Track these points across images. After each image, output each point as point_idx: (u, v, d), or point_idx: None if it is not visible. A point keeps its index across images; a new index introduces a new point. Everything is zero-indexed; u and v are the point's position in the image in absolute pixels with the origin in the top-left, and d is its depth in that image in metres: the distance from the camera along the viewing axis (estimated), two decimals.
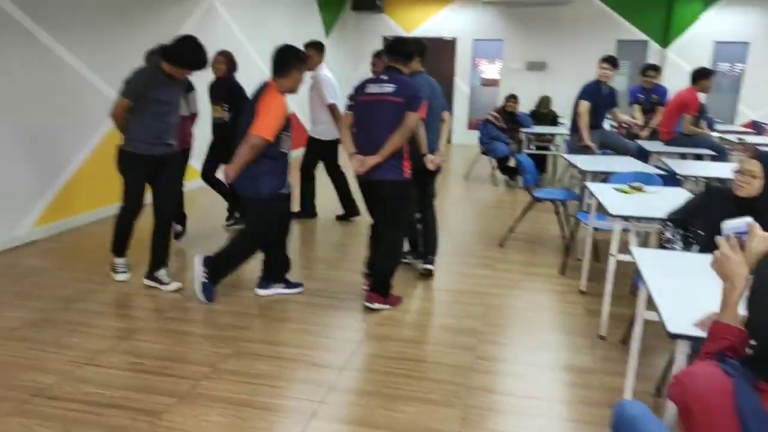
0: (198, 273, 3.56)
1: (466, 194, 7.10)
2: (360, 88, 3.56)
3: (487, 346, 3.14)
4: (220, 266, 3.59)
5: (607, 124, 6.79)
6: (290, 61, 3.43)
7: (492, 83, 11.70)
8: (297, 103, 7.84)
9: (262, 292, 3.77)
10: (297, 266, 4.32)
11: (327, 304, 3.66)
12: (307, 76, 5.24)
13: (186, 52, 3.53)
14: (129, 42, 5.55)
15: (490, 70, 11.68)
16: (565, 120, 8.16)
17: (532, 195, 4.88)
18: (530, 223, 5.67)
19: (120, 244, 3.91)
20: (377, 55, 5.11)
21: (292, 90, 3.48)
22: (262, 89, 3.44)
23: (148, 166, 3.68)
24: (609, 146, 6.11)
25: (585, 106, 5.71)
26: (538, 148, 8.01)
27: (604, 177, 4.55)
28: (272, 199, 3.49)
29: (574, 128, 5.87)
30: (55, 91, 4.83)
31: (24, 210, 4.65)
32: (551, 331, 3.36)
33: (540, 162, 8.07)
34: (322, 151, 5.42)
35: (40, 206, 4.79)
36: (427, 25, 11.52)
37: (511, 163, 7.59)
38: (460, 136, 11.78)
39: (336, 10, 11.00)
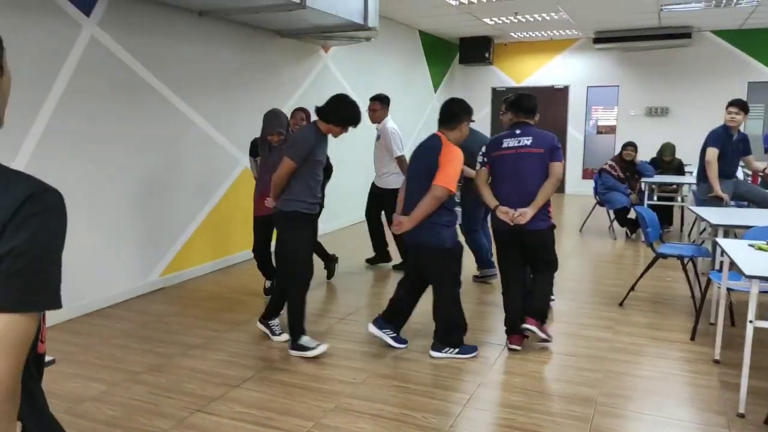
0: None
1: (581, 248, 6.75)
2: (496, 144, 3.74)
3: (604, 419, 2.87)
4: (447, 326, 3.63)
5: (741, 173, 6.21)
6: (461, 114, 3.59)
7: (608, 131, 11.22)
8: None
9: (373, 329, 3.77)
10: None
11: (431, 361, 3.56)
12: (372, 128, 5.42)
13: (347, 111, 3.60)
14: (251, 102, 5.98)
15: (606, 117, 11.23)
16: (693, 168, 7.59)
17: (654, 251, 4.51)
18: (654, 281, 5.23)
19: (302, 320, 3.70)
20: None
21: (458, 141, 3.61)
22: (434, 141, 3.56)
23: (311, 224, 3.78)
24: (744, 197, 5.56)
25: (713, 153, 5.26)
26: (662, 198, 7.47)
27: (739, 231, 4.12)
28: (456, 248, 3.58)
29: (702, 177, 5.41)
30: (184, 148, 5.29)
31: (156, 259, 5.06)
32: (680, 406, 3.01)
33: (665, 214, 7.52)
34: (386, 200, 5.45)
35: (169, 255, 5.19)
36: (538, 74, 11.39)
37: (632, 214, 7.13)
38: (574, 186, 11.34)
39: (445, 65, 11.22)
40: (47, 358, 1.76)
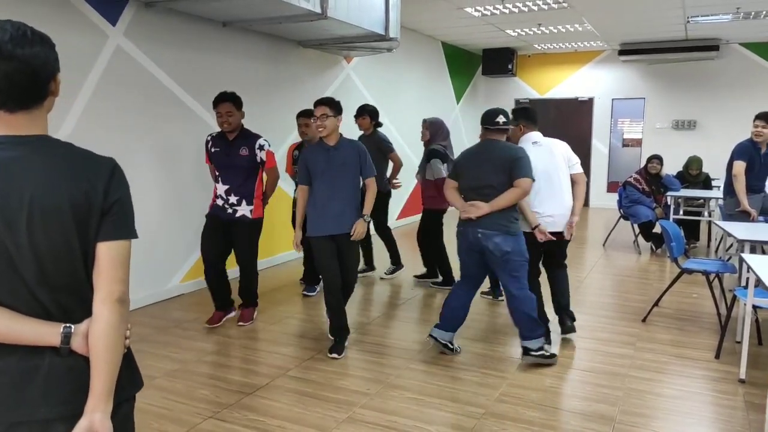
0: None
1: (604, 262, 6.63)
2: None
3: None
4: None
5: None
6: None
7: (634, 144, 11.06)
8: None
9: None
10: (415, 331, 4.25)
11: (446, 374, 3.52)
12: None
13: None
14: (273, 112, 6.03)
15: (632, 129, 11.07)
16: (720, 182, 7.42)
17: (679, 266, 4.40)
18: (679, 297, 5.11)
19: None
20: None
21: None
22: None
23: None
24: None
25: (740, 166, 5.13)
26: (689, 213, 7.31)
27: (767, 247, 4.00)
28: None
29: (729, 192, 5.28)
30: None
31: (175, 266, 5.10)
32: (703, 426, 2.91)
33: (692, 228, 7.35)
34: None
35: (188, 264, 5.23)
36: (562, 86, 11.30)
37: (657, 228, 6.99)
38: (598, 199, 11.18)
39: (467, 76, 11.20)
40: None
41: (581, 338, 4.12)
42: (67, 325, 1.24)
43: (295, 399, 3.17)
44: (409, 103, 8.97)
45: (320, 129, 3.71)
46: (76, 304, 1.28)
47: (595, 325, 4.42)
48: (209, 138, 4.32)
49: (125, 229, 1.32)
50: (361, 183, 3.89)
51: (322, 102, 3.73)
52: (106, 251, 1.27)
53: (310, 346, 3.94)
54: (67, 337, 1.23)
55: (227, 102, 4.11)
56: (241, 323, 4.35)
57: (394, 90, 8.55)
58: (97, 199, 1.26)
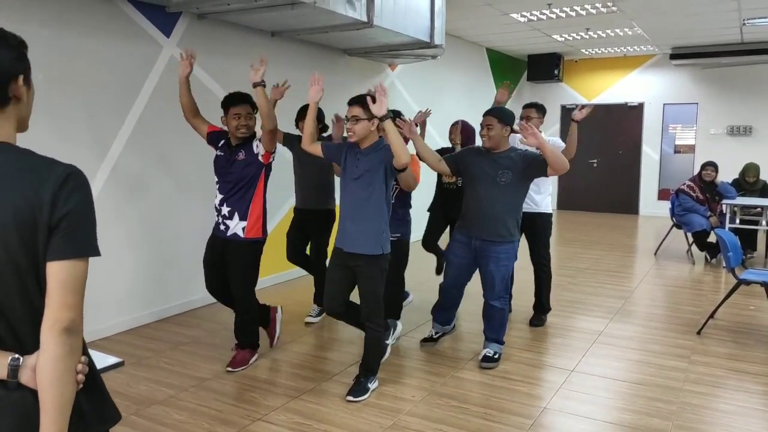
0: None
1: (655, 272, 6.43)
2: None
3: None
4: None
5: None
6: None
7: (686, 150, 10.71)
8: None
9: None
10: (461, 339, 4.22)
11: (492, 383, 3.48)
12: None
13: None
14: None
15: (684, 135, 10.73)
16: None
17: (736, 277, 4.24)
18: (735, 309, 4.91)
19: None
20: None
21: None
22: None
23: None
24: None
25: None
26: (745, 222, 7.02)
27: None
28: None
29: None
30: None
31: None
32: None
33: (749, 238, 7.06)
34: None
35: None
36: (611, 91, 11.05)
37: (712, 238, 6.74)
38: (649, 206, 10.86)
39: (512, 82, 11.08)
40: (116, 360, 1.83)
41: (632, 350, 4.01)
42: (16, 356, 1.12)
43: (341, 404, 3.19)
44: (453, 110, 8.92)
45: (350, 134, 3.12)
46: (30, 333, 1.14)
47: (646, 336, 4.30)
48: (224, 139, 3.61)
49: (78, 246, 1.13)
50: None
51: (355, 101, 3.15)
52: (54, 272, 1.11)
53: (356, 352, 3.96)
54: (14, 369, 1.11)
55: (246, 103, 3.46)
56: (229, 368, 3.59)
57: (438, 96, 8.55)
58: (43, 211, 1.10)
